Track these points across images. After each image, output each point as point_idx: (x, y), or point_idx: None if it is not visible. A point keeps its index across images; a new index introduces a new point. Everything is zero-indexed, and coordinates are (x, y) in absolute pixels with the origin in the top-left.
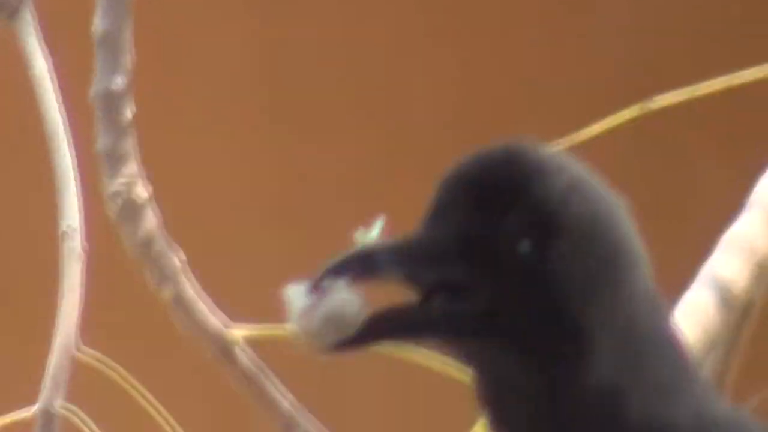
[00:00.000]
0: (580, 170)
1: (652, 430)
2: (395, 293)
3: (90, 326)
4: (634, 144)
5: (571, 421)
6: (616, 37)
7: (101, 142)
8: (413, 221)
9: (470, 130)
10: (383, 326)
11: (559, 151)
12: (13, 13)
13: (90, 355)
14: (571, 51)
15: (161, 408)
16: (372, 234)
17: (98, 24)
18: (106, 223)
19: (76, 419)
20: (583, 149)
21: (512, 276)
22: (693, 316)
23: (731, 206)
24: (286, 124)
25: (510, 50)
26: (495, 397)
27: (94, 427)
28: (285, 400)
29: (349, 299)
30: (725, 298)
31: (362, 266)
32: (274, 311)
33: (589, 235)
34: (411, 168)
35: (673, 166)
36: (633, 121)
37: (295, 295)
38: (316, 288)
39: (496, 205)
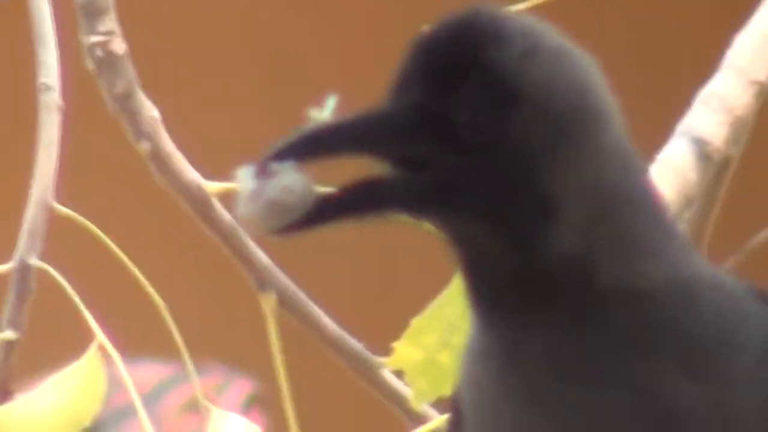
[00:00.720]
0: (543, 31)
1: (624, 292)
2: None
3: (66, 183)
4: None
5: (542, 288)
6: None
7: None
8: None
9: None
10: (334, 207)
11: (523, 13)
12: None
13: (65, 212)
14: None
15: (136, 268)
16: (324, 113)
17: None
18: (84, 81)
19: (52, 274)
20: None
21: (471, 147)
22: (669, 172)
23: (711, 65)
24: None
25: None
26: (467, 265)
27: (66, 283)
28: (261, 255)
29: (293, 182)
30: (702, 153)
31: (312, 146)
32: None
33: (546, 99)
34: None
35: (654, 20)
36: None
37: (244, 178)
38: (263, 171)
39: (454, 74)
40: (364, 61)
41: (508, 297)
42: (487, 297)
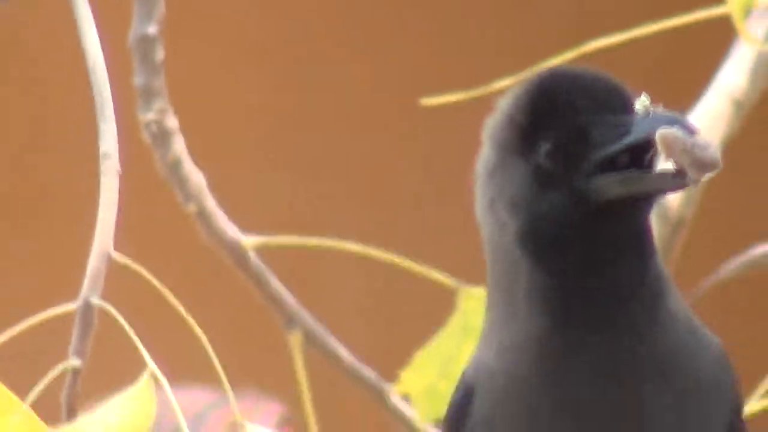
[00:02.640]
0: None
1: (670, 316)
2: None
3: (126, 236)
4: None
5: (618, 302)
6: None
7: (138, 79)
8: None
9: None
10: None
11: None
12: None
13: (123, 259)
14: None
15: (182, 308)
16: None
17: None
18: (140, 149)
19: (111, 312)
20: None
21: None
22: None
23: None
24: (296, 65)
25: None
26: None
27: (123, 319)
28: (289, 298)
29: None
30: (661, 213)
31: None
32: (279, 227)
33: None
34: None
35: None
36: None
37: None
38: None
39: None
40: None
41: (602, 305)
42: (581, 305)
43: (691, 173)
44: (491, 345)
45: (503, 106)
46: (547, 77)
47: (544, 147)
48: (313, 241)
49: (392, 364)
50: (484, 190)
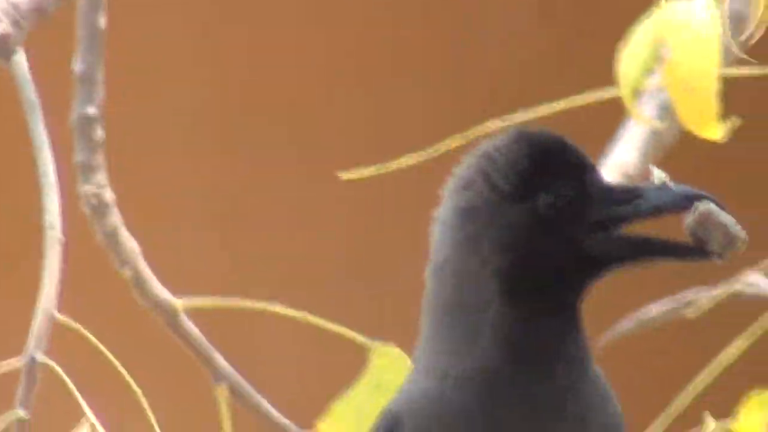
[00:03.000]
0: None
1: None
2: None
3: (68, 298)
4: None
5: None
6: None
7: (78, 156)
8: None
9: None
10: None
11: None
12: (9, 55)
13: (64, 320)
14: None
15: (119, 364)
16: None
17: (77, 64)
18: (81, 220)
19: (54, 368)
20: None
21: None
22: None
23: None
24: (221, 137)
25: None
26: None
27: (64, 374)
28: (216, 356)
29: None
30: None
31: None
32: (210, 288)
33: None
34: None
35: None
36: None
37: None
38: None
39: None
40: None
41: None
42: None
43: (717, 247)
44: (433, 374)
45: (481, 159)
46: (534, 135)
47: (545, 198)
48: (238, 303)
49: (313, 415)
50: (456, 229)
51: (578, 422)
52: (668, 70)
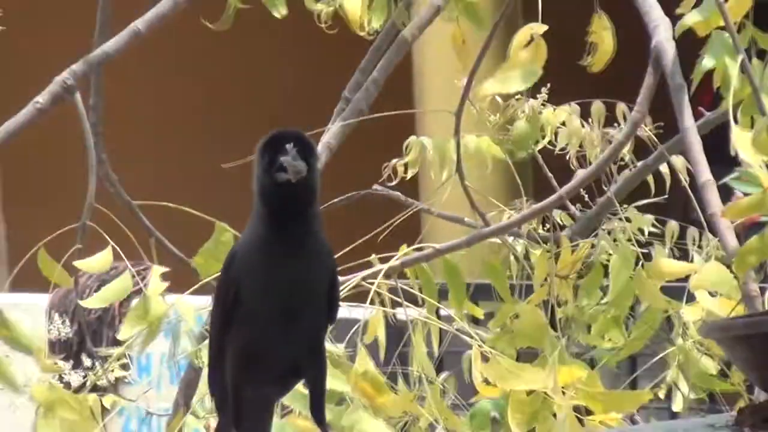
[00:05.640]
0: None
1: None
2: None
3: None
4: None
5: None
6: None
7: None
8: None
9: None
10: None
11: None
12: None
13: None
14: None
15: None
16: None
17: None
18: None
19: None
20: None
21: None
22: None
23: None
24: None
25: None
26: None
27: None
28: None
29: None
30: None
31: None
32: None
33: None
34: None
35: None
36: None
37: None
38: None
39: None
40: None
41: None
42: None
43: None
44: (247, 235)
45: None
46: (275, 132)
47: (266, 159)
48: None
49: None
50: (253, 178)
51: (310, 253)
52: None
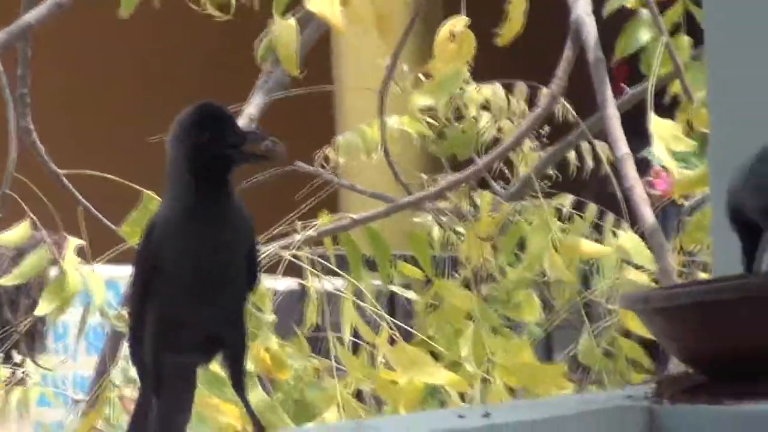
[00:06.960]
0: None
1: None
2: None
3: None
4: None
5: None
6: None
7: None
8: None
9: None
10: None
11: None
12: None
13: None
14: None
15: None
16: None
17: None
18: None
19: None
20: None
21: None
22: None
23: None
24: None
25: None
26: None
27: None
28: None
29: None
30: None
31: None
32: None
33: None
34: None
35: None
36: None
37: None
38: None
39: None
40: None
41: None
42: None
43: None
44: (167, 207)
45: (182, 121)
46: (203, 107)
47: (206, 135)
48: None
49: None
50: (175, 151)
51: (231, 220)
52: None
